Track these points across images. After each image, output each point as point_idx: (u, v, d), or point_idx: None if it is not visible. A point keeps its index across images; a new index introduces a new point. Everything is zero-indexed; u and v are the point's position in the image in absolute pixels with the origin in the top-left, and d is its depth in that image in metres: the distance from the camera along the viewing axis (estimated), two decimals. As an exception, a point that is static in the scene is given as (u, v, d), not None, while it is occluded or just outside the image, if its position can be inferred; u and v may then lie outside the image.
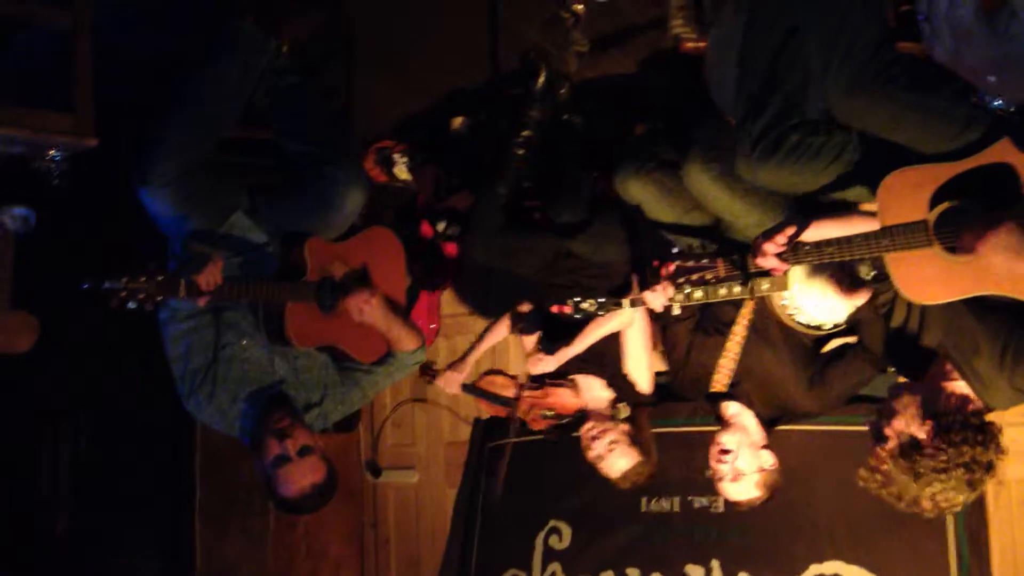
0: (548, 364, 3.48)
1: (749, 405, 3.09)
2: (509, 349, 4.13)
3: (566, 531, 3.95)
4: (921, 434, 2.29)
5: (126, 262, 2.61)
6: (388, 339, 3.23)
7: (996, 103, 2.20)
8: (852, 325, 2.97)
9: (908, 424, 2.32)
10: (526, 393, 3.59)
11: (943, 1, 2.17)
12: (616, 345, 3.46)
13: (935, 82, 2.39)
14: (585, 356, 3.51)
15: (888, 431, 2.36)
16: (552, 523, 3.99)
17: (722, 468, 3.02)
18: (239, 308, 2.99)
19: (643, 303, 3.01)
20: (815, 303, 2.93)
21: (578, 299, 3.06)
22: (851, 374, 2.99)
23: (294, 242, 3.14)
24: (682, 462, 3.72)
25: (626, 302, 3.06)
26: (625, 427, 3.36)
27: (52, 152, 2.99)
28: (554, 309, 3.17)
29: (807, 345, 3.08)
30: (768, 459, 3.05)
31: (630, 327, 3.38)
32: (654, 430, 3.53)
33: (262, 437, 2.83)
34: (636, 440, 3.34)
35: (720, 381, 3.14)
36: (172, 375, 2.94)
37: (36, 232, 3.22)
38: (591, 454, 3.36)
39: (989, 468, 2.28)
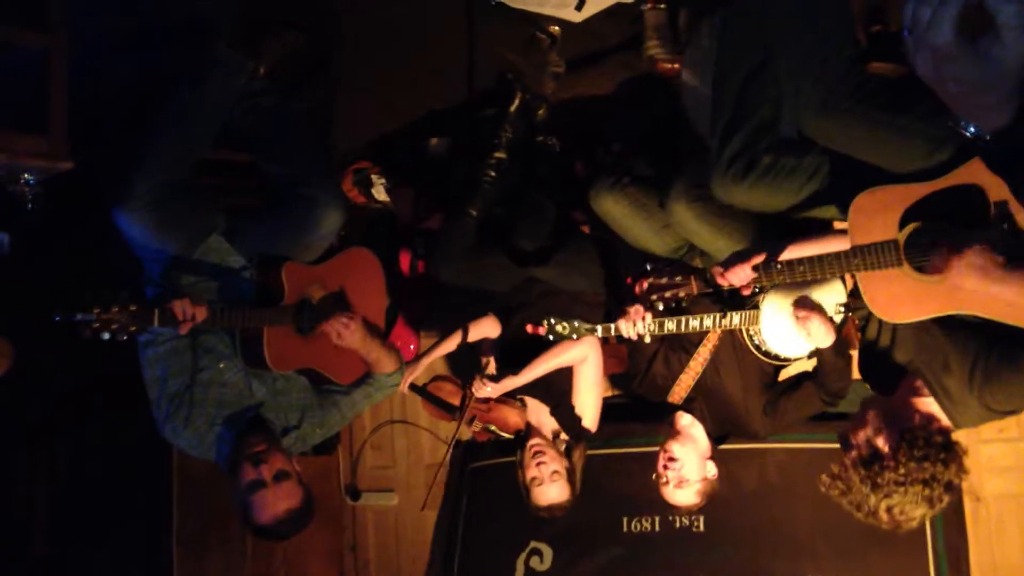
0: (492, 391, 3.43)
1: (701, 420, 3.22)
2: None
3: (547, 553, 3.94)
4: (885, 446, 2.31)
5: (99, 292, 2.59)
6: (367, 361, 3.22)
7: (972, 129, 2.21)
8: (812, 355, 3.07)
9: (874, 435, 2.34)
10: (471, 404, 3.57)
11: (922, 20, 2.17)
12: (566, 377, 3.44)
13: (906, 102, 2.41)
14: (534, 382, 3.46)
15: (854, 440, 2.38)
16: (533, 544, 3.97)
17: (668, 474, 3.14)
18: (216, 331, 2.97)
19: (617, 331, 3.04)
20: (781, 337, 3.06)
21: (553, 321, 3.12)
22: (804, 406, 3.13)
23: (271, 265, 3.12)
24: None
25: (600, 328, 3.11)
26: (565, 461, 3.36)
27: (26, 175, 2.96)
28: (529, 329, 3.20)
29: (767, 372, 3.20)
30: (712, 469, 3.20)
31: (584, 363, 3.38)
32: (613, 451, 3.67)
33: (238, 462, 2.80)
34: (571, 478, 3.36)
35: (678, 394, 3.26)
36: (148, 399, 2.92)
37: (10, 256, 3.19)
38: (528, 473, 3.34)
39: (949, 487, 2.30)
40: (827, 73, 2.49)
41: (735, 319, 3.02)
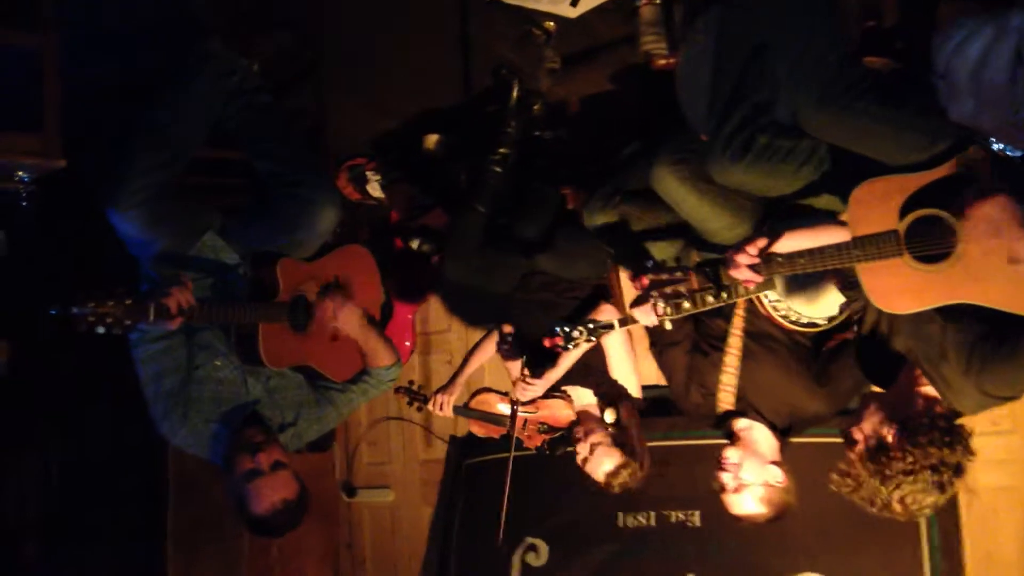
0: (537, 389, 3.47)
1: (760, 418, 2.99)
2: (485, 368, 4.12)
3: (543, 548, 3.94)
4: (890, 437, 2.31)
5: (94, 286, 2.58)
6: (364, 352, 3.22)
7: (998, 146, 2.20)
8: (849, 319, 2.88)
9: (877, 427, 2.34)
10: (520, 409, 3.58)
11: (969, 62, 2.13)
12: (599, 354, 3.47)
13: (902, 96, 2.42)
14: (570, 370, 3.50)
15: (857, 434, 2.38)
16: (529, 540, 3.98)
17: (724, 476, 2.92)
18: (211, 328, 2.97)
19: (633, 321, 3.01)
20: (805, 301, 2.85)
21: (567, 329, 3.01)
22: (856, 366, 2.82)
23: (265, 262, 3.12)
24: (658, 477, 3.72)
25: (617, 323, 3.05)
26: (611, 429, 3.31)
27: (20, 174, 2.96)
28: (546, 343, 3.09)
29: (807, 345, 2.99)
30: (776, 474, 2.93)
31: (611, 337, 3.38)
32: None
33: (234, 454, 2.81)
34: (618, 441, 3.27)
35: (725, 400, 3.04)
36: (144, 398, 2.91)
37: (6, 253, 3.18)
38: (579, 458, 3.33)
39: (958, 470, 2.29)
40: (822, 69, 2.49)
41: (740, 289, 2.80)
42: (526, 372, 3.46)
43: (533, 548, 3.96)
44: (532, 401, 3.58)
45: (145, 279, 2.94)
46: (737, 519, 2.97)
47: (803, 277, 2.76)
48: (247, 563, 4.17)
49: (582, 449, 3.30)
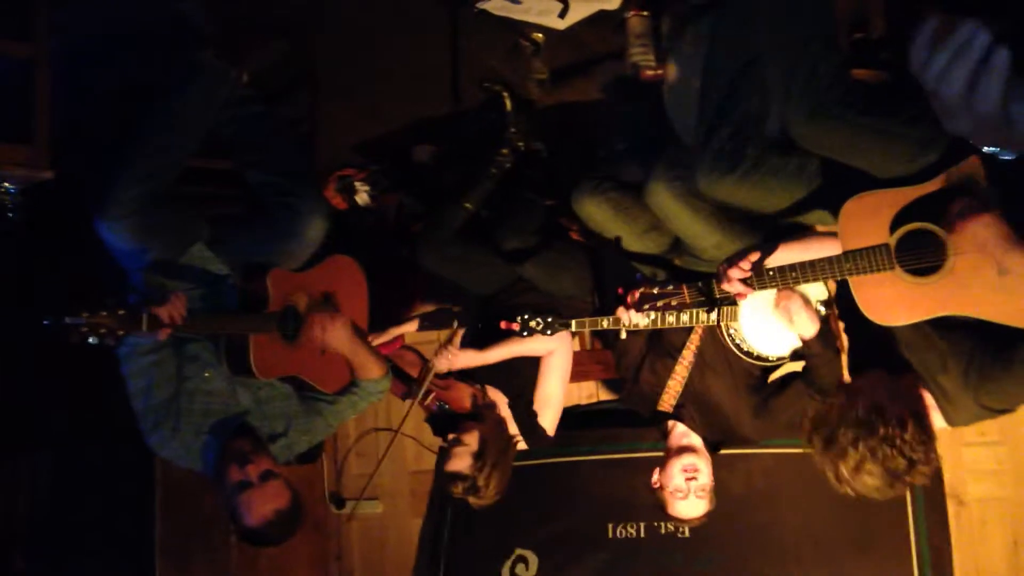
0: (455, 361, 3.44)
1: (693, 427, 3.13)
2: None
3: (532, 560, 3.93)
4: (890, 413, 2.33)
5: (85, 297, 2.57)
6: (353, 365, 3.21)
7: (990, 149, 2.21)
8: (797, 356, 3.03)
9: (884, 398, 2.36)
10: (430, 379, 3.53)
11: (956, 88, 2.13)
12: (529, 372, 3.44)
13: (892, 106, 2.42)
14: (496, 371, 3.46)
15: (862, 393, 2.41)
16: (518, 552, 3.97)
17: (691, 485, 3.03)
18: (200, 339, 2.96)
19: (592, 326, 3.07)
20: (762, 335, 3.02)
21: (527, 316, 3.09)
22: (795, 405, 2.99)
23: (255, 272, 3.11)
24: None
25: (574, 322, 3.10)
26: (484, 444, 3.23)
27: (7, 184, 2.94)
28: (503, 325, 3.16)
29: (753, 374, 3.13)
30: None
31: (551, 355, 3.38)
32: (598, 456, 3.60)
33: (224, 466, 2.80)
34: (480, 451, 3.21)
35: (667, 401, 3.18)
36: (133, 410, 2.89)
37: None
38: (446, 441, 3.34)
39: (913, 477, 2.33)
40: (814, 80, 2.50)
41: (713, 315, 2.96)
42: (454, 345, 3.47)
43: (523, 560, 3.95)
44: (445, 377, 3.53)
45: (133, 290, 2.93)
46: (685, 522, 3.18)
47: (763, 314, 2.95)
48: (235, 573, 4.14)
49: (456, 435, 3.27)
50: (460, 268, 3.51)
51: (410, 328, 3.88)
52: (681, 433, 3.14)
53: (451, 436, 3.30)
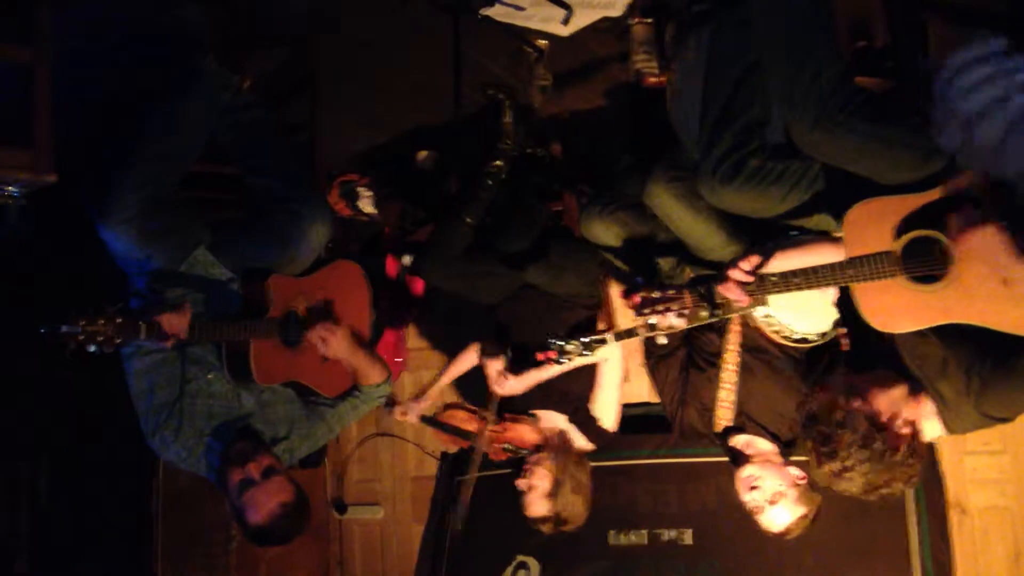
0: (514, 386, 3.46)
1: (760, 431, 3.01)
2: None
3: (534, 566, 3.93)
4: (880, 421, 2.40)
5: (84, 304, 2.57)
6: (353, 372, 3.21)
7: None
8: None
9: (887, 411, 2.41)
10: (488, 428, 3.57)
11: (970, 108, 2.13)
12: (580, 382, 3.46)
13: (896, 115, 2.42)
14: (548, 393, 3.49)
15: (869, 401, 2.44)
16: (519, 558, 3.96)
17: (756, 497, 2.92)
18: (204, 343, 2.95)
19: (627, 335, 2.99)
20: (797, 317, 2.85)
21: (561, 343, 3.00)
22: None
23: (256, 278, 3.11)
24: (650, 494, 3.73)
25: (610, 336, 3.01)
26: (560, 474, 3.30)
27: (10, 188, 2.93)
28: (539, 356, 3.10)
29: (798, 360, 3.01)
30: (797, 472, 2.95)
31: (606, 363, 3.39)
32: (599, 464, 3.53)
33: (226, 468, 2.79)
34: (556, 491, 3.29)
35: (724, 416, 3.05)
36: (135, 412, 2.89)
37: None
38: (519, 484, 3.37)
39: (890, 482, 2.41)
40: (818, 87, 2.50)
41: (736, 306, 2.74)
42: (507, 368, 3.46)
43: (524, 566, 3.94)
44: (500, 418, 3.56)
45: (135, 295, 2.93)
46: (783, 536, 2.94)
47: (795, 294, 2.71)
48: (235, 579, 4.14)
49: (525, 482, 3.34)
50: (466, 281, 3.53)
51: (448, 380, 3.91)
52: (743, 443, 3.02)
53: (520, 483, 3.35)
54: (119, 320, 2.59)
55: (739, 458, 2.99)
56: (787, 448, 3.02)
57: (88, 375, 3.26)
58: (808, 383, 2.96)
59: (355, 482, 4.48)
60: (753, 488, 2.91)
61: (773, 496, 2.89)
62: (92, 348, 2.56)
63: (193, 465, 2.90)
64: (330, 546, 4.50)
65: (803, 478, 2.92)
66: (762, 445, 3.00)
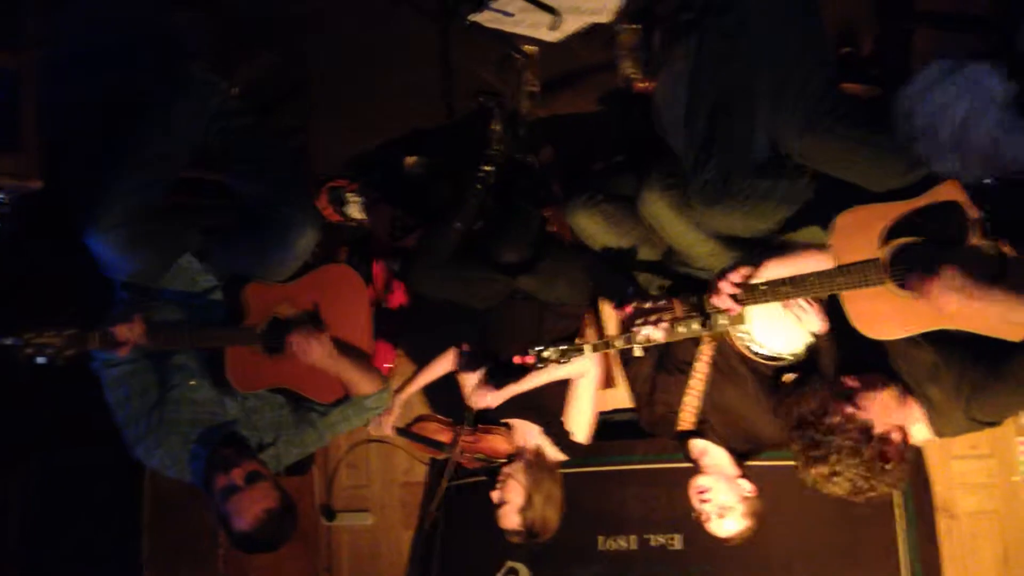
0: (494, 399, 3.45)
1: (720, 440, 3.08)
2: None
3: (524, 572, 3.91)
4: (871, 431, 2.43)
5: (35, 315, 2.55)
6: (341, 381, 3.18)
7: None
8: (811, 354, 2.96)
9: (877, 419, 2.44)
10: (460, 438, 3.57)
11: (952, 124, 2.15)
12: (556, 395, 3.46)
13: (883, 121, 2.43)
14: (523, 403, 3.48)
15: (860, 404, 2.46)
16: (509, 564, 3.95)
17: (706, 508, 3.02)
18: (187, 351, 2.94)
19: (605, 347, 3.00)
20: (773, 335, 2.92)
21: (540, 348, 3.02)
22: None
23: (235, 285, 3.10)
24: (640, 500, 3.72)
25: (587, 347, 3.02)
26: (534, 485, 3.37)
27: (-2, 193, 2.93)
28: (516, 360, 3.14)
29: (766, 375, 3.06)
30: (747, 486, 3.07)
31: (584, 377, 3.39)
32: (588, 469, 3.60)
33: (211, 474, 2.78)
34: (528, 505, 3.36)
35: (687, 419, 3.12)
36: (116, 423, 2.87)
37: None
38: (494, 495, 3.42)
39: (875, 487, 2.44)
40: (806, 94, 2.51)
41: (721, 320, 2.85)
42: (487, 380, 3.46)
43: (514, 572, 3.92)
44: (473, 429, 3.56)
45: (119, 303, 2.91)
46: (726, 542, 3.08)
47: (773, 313, 2.84)
48: (223, 587, 4.12)
49: (498, 496, 3.40)
50: (456, 288, 3.50)
51: (417, 387, 3.91)
52: (698, 451, 3.10)
53: (494, 495, 3.40)
54: (69, 331, 2.57)
55: (695, 465, 3.09)
56: (742, 459, 3.11)
57: (75, 378, 3.23)
58: (774, 398, 3.00)
59: (344, 488, 4.45)
60: (703, 500, 3.02)
61: (720, 510, 3.01)
62: (42, 360, 2.54)
63: (179, 472, 2.89)
64: (318, 553, 4.48)
65: (753, 492, 3.06)
66: (717, 456, 3.08)
